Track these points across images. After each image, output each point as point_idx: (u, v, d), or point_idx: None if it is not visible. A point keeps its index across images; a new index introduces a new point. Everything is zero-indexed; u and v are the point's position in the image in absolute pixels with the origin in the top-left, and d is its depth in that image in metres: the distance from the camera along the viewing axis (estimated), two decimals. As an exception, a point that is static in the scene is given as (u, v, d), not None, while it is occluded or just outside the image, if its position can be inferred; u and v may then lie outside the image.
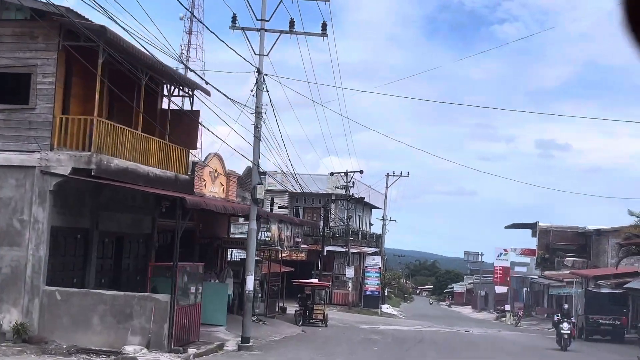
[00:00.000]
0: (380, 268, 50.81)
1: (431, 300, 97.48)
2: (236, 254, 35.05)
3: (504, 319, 62.91)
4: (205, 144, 50.75)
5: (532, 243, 70.72)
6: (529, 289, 71.77)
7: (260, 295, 31.74)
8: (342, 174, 49.54)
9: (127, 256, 23.68)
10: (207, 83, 22.83)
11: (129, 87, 22.39)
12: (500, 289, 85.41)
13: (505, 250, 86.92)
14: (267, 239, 26.87)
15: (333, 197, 51.29)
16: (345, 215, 50.37)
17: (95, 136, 19.02)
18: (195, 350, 18.89)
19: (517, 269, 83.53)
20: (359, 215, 63.24)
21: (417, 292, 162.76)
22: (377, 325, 38.08)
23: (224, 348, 21.04)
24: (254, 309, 30.34)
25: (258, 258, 33.04)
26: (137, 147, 21.32)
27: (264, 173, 55.77)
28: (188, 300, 20.54)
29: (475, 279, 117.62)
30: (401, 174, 62.27)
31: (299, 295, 34.93)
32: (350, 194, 49.84)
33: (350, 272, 48.56)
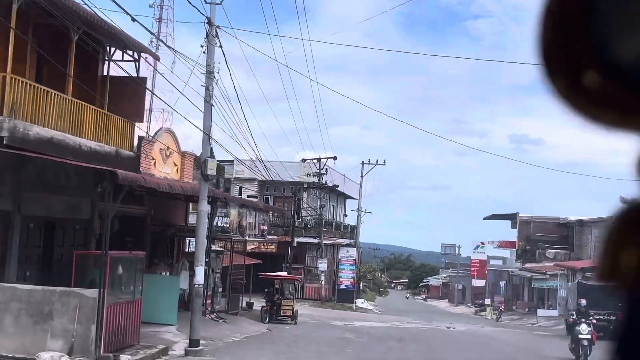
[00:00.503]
0: (355, 260, 47.65)
1: (407, 295, 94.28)
2: (196, 245, 31.62)
3: (483, 313, 60.06)
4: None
5: (512, 235, 68.06)
6: (508, 283, 69.06)
7: (221, 289, 28.39)
8: (315, 161, 46.26)
9: (59, 245, 20.17)
10: (158, 40, 19.40)
11: (64, 47, 18.90)
12: (478, 283, 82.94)
13: (482, 242, 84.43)
14: (225, 225, 23.40)
15: (305, 185, 48.03)
16: (318, 204, 47.09)
17: (9, 97, 15.53)
18: (129, 357, 15.51)
19: (493, 262, 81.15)
20: (333, 206, 60.02)
21: (392, 286, 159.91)
22: (351, 322, 34.89)
23: (169, 352, 17.68)
24: (214, 306, 27.01)
25: (219, 248, 29.67)
26: (67, 114, 17.86)
27: (232, 161, 52.41)
28: (126, 295, 17.16)
29: (452, 273, 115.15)
30: (377, 161, 59.16)
31: (265, 290, 31.65)
32: (324, 181, 46.61)
33: (323, 265, 45.35)
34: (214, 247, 27.96)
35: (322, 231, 46.37)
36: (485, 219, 69.77)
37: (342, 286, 46.85)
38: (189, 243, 30.05)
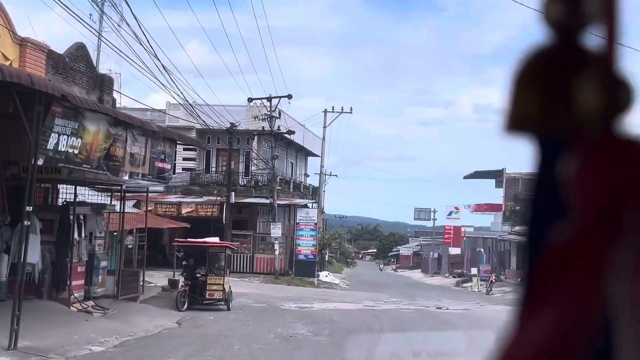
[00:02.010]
0: (316, 225, 37.92)
1: (381, 266, 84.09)
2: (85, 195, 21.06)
3: (467, 285, 50.73)
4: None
5: (497, 195, 59.00)
6: (491, 249, 59.91)
7: (106, 265, 18.44)
8: (265, 100, 36.22)
9: None
10: None
11: None
12: (455, 251, 74.35)
13: (456, 207, 76.01)
14: (72, 151, 12.96)
15: (255, 133, 38.00)
16: (270, 154, 37.09)
17: None
18: None
19: (468, 229, 72.46)
20: (291, 163, 50.10)
21: (360, 256, 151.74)
22: (310, 304, 25.23)
23: None
24: (91, 290, 17.10)
25: (102, 202, 19.59)
26: None
27: (164, 110, 42.23)
28: None
29: (423, 241, 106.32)
30: (342, 109, 49.28)
31: (183, 264, 21.80)
32: (276, 128, 36.62)
33: (276, 231, 35.58)
34: (93, 199, 17.94)
35: (275, 189, 36.48)
36: (466, 177, 60.53)
37: (300, 256, 37.08)
38: (67, 192, 19.62)
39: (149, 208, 37.77)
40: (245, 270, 37.42)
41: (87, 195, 19.15)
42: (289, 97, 36.41)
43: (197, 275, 21.06)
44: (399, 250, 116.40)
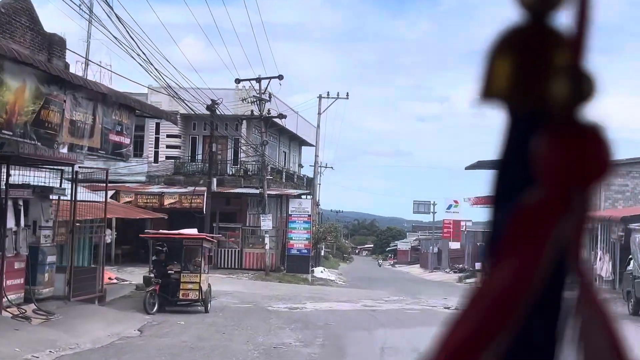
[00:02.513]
0: (309, 217, 34.82)
1: (380, 261, 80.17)
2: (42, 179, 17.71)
3: (470, 280, 47.74)
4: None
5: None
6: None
7: (54, 260, 15.34)
8: (254, 82, 33.09)
9: None
10: None
11: None
12: (454, 245, 71.46)
13: (456, 201, 73.20)
14: None
15: (242, 118, 34.84)
16: (260, 140, 33.95)
17: None
18: None
19: (467, 223, 69.62)
20: (284, 152, 47.00)
21: (357, 252, 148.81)
22: (301, 304, 22.19)
23: None
24: (34, 291, 14.04)
25: (48, 184, 16.42)
26: None
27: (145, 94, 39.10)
28: None
29: (422, 236, 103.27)
30: (338, 94, 46.19)
31: (152, 259, 18.74)
32: (266, 111, 33.50)
33: (266, 223, 32.52)
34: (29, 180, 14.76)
35: (266, 178, 33.36)
36: (468, 168, 57.24)
37: (293, 251, 33.97)
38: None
39: (128, 199, 34.78)
40: (233, 266, 34.38)
41: (46, 179, 15.96)
42: (280, 77, 33.30)
43: (170, 272, 18.00)
44: (396, 245, 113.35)
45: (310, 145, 49.82)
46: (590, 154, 0.68)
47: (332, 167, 71.74)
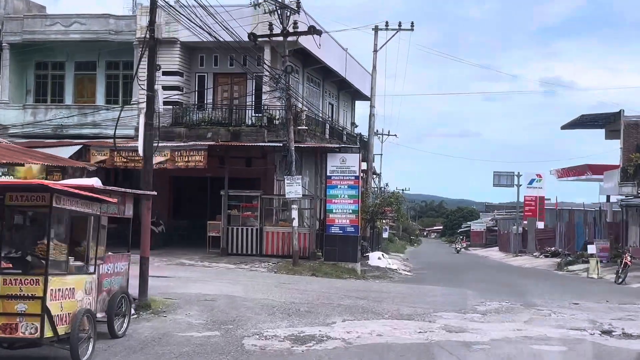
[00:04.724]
0: (357, 179, 23.23)
1: (458, 246, 64.98)
2: None
3: (574, 267, 35.51)
4: None
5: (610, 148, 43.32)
6: (595, 221, 44.37)
7: None
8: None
9: None
10: None
11: None
12: (539, 225, 59.32)
13: (539, 175, 61.17)
14: None
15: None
16: (284, 73, 22.60)
17: None
18: None
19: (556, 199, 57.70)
20: (331, 105, 35.73)
21: (425, 234, 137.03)
22: (324, 327, 11.28)
23: None
24: None
25: None
26: None
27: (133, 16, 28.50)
28: None
29: (497, 215, 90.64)
30: (399, 25, 34.57)
31: None
32: (292, 24, 22.30)
33: (293, 189, 21.60)
34: None
35: (290, 122, 22.29)
36: (564, 127, 44.84)
37: (333, 229, 22.73)
38: None
39: (102, 157, 24.29)
40: (250, 252, 23.60)
41: None
42: (315, 32, 22.26)
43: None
44: (469, 226, 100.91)
45: (365, 98, 38.46)
46: None
47: (395, 135, 60.39)
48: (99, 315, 8.81)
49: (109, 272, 9.64)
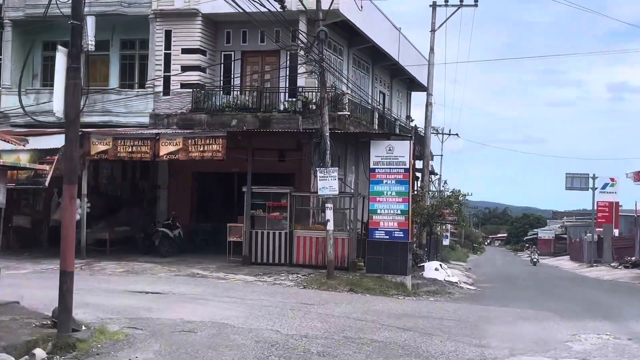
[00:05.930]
0: (407, 173, 18.57)
1: (535, 257, 56.17)
2: None
3: (667, 282, 29.98)
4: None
5: None
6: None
7: None
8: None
9: None
10: None
11: None
12: (616, 232, 53.90)
13: (612, 179, 55.52)
14: None
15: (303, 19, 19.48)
16: (317, 40, 18.28)
17: None
18: None
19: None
20: (383, 94, 31.23)
21: (488, 241, 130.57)
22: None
23: None
24: None
25: None
26: None
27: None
28: None
29: (567, 222, 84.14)
30: (461, 0, 29.78)
31: None
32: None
33: (327, 183, 17.31)
34: None
35: (325, 101, 17.97)
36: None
37: (378, 233, 18.19)
38: None
39: (103, 147, 20.36)
40: (278, 261, 19.31)
41: None
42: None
43: None
44: (536, 234, 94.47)
45: (422, 89, 33.82)
46: None
47: (457, 135, 55.24)
48: None
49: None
